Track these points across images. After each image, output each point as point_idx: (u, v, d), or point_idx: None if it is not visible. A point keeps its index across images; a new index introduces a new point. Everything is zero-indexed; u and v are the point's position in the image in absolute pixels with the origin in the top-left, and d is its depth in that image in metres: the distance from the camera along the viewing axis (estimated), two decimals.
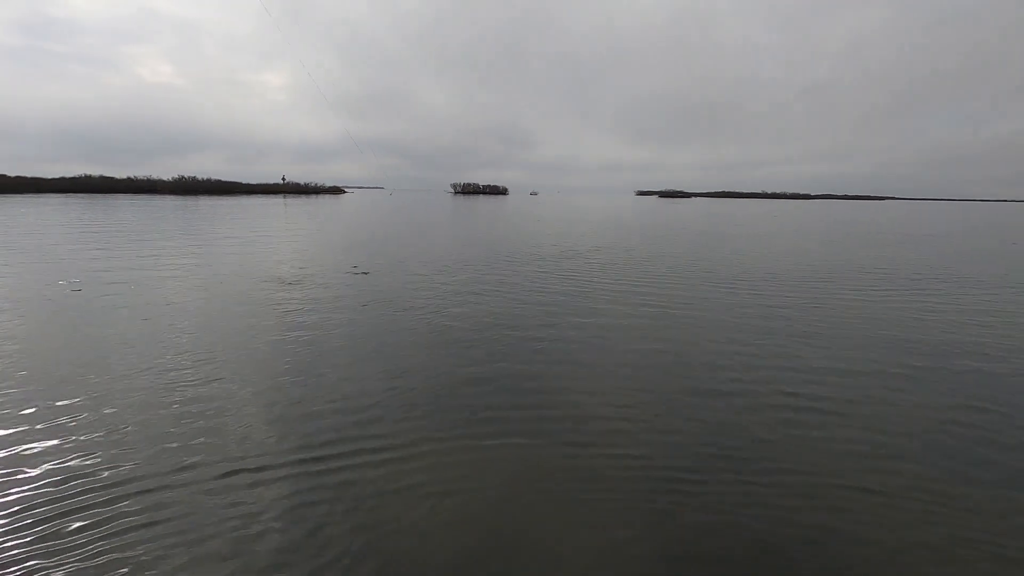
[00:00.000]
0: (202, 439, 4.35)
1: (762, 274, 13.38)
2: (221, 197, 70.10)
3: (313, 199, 77.84)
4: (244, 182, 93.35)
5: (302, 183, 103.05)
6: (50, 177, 73.43)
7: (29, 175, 71.64)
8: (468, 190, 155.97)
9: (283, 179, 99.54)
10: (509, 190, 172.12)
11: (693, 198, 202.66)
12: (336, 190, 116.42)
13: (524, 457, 4.24)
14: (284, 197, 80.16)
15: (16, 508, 3.42)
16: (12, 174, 69.86)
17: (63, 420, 4.61)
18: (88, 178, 76.48)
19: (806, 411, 5.17)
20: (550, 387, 5.69)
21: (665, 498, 3.75)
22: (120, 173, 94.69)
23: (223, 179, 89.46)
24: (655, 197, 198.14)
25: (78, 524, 3.26)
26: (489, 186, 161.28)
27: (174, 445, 4.24)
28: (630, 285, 11.49)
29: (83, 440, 4.27)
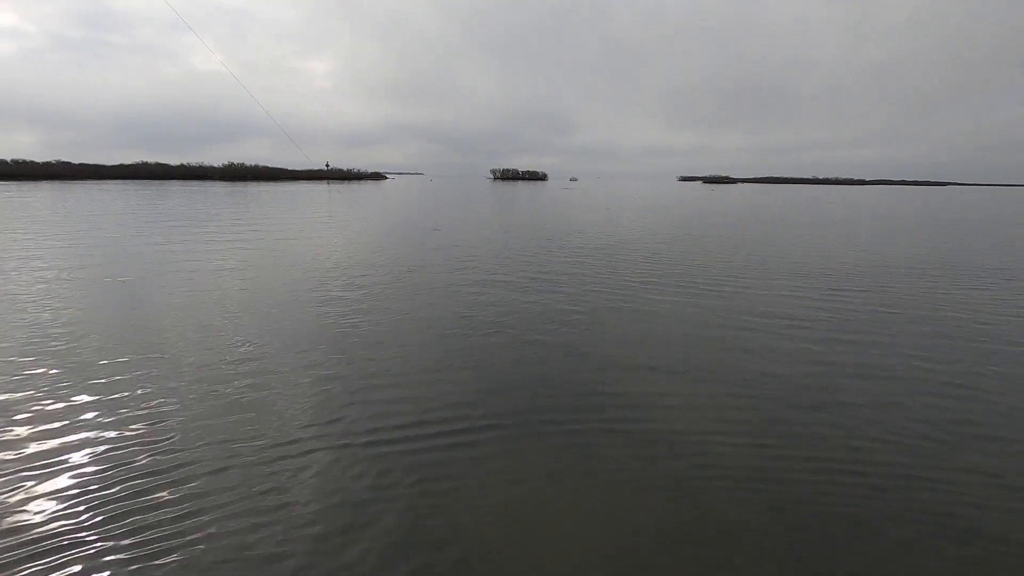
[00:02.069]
0: (261, 419, 4.23)
1: (869, 271, 11.33)
2: (268, 183, 71.22)
3: (356, 185, 78.22)
4: (290, 168, 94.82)
5: (344, 169, 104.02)
6: (109, 164, 76.42)
7: (91, 163, 74.76)
8: (507, 176, 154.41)
9: (327, 165, 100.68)
10: (548, 176, 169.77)
11: (739, 184, 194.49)
12: (378, 176, 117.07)
13: (596, 457, 3.83)
14: (328, 183, 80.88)
15: (76, 485, 3.32)
16: (76, 161, 73.13)
17: (118, 401, 4.51)
18: (145, 165, 79.20)
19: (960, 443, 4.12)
20: (626, 391, 5.01)
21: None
22: (174, 160, 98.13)
23: (270, 165, 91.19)
24: (699, 183, 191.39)
25: (136, 503, 3.14)
26: (528, 172, 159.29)
27: (234, 421, 4.17)
28: (708, 280, 9.93)
29: (140, 420, 4.16)
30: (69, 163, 71.63)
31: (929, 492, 3.42)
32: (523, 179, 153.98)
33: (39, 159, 68.98)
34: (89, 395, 4.60)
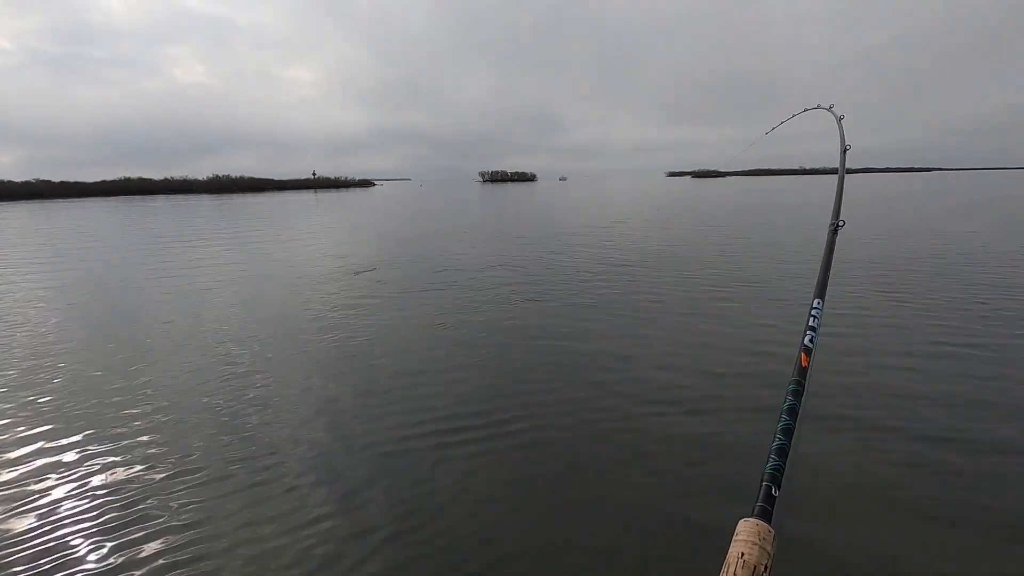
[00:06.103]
0: (256, 434, 4.06)
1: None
2: (254, 194, 70.06)
3: (344, 193, 77.14)
4: (276, 178, 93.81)
5: (332, 177, 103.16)
6: (91, 181, 75.07)
7: (71, 180, 73.33)
8: (496, 178, 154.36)
9: (313, 174, 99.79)
10: (537, 176, 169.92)
11: (728, 177, 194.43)
12: (366, 183, 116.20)
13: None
14: (315, 192, 79.81)
15: (78, 502, 3.23)
16: (56, 179, 71.68)
17: (115, 419, 4.37)
18: (127, 180, 78.01)
19: None
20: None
21: None
22: (158, 174, 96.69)
23: (255, 176, 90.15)
24: (688, 178, 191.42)
25: (132, 519, 3.05)
26: (517, 173, 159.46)
27: (228, 439, 3.98)
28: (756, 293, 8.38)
29: (137, 437, 4.04)
30: (49, 181, 70.22)
31: None
32: (512, 180, 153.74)
33: (18, 178, 67.71)
34: (82, 421, 4.38)
